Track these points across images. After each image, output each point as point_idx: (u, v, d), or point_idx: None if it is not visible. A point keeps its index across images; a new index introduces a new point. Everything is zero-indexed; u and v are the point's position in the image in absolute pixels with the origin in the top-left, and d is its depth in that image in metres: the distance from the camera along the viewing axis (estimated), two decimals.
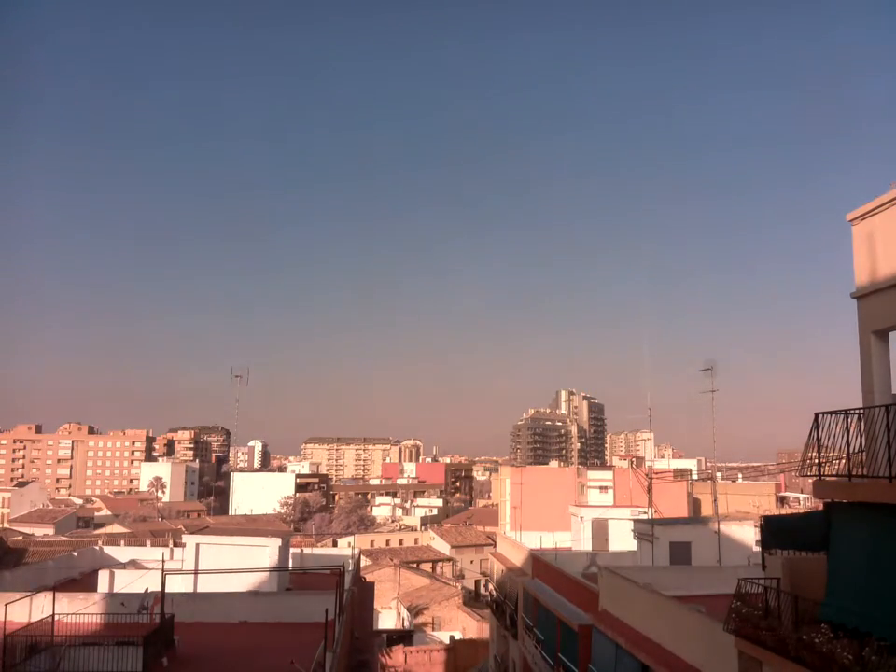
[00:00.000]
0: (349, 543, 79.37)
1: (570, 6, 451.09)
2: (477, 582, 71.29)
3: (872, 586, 10.92)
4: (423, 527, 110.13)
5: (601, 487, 57.24)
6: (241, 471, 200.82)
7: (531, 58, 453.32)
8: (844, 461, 11.63)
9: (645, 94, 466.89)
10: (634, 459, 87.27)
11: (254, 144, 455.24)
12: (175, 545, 36.30)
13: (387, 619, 54.92)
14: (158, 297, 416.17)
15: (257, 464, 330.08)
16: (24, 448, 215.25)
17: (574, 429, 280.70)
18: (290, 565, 27.15)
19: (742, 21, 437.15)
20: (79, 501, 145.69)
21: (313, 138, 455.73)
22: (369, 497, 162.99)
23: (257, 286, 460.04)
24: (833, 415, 11.84)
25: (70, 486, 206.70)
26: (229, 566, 23.05)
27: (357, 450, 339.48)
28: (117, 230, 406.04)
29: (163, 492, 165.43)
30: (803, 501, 61.75)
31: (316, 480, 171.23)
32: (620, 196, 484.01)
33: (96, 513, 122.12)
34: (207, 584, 23.47)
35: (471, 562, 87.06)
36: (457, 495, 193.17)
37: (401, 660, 41.88)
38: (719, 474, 61.88)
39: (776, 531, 15.22)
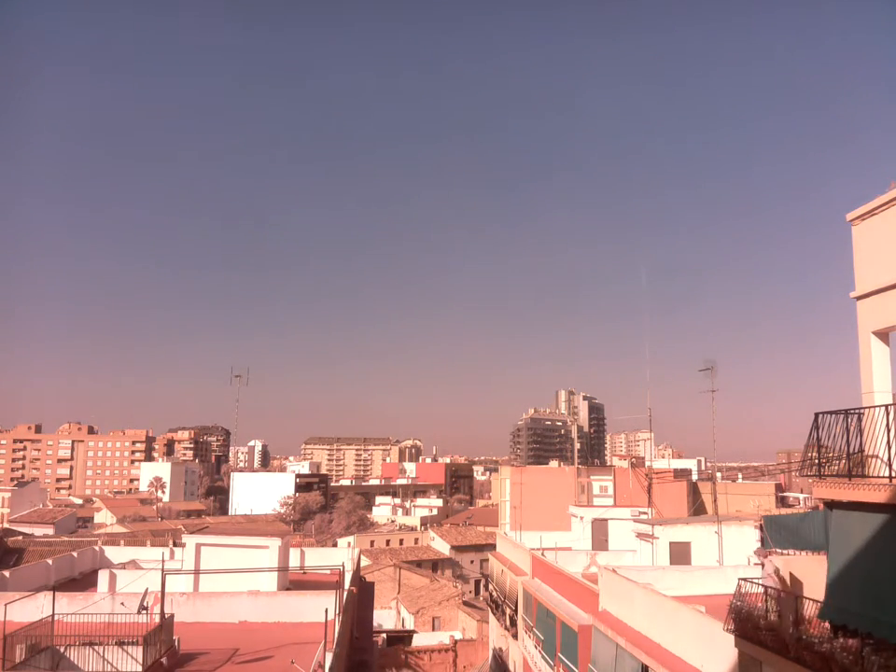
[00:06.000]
0: (349, 543, 79.35)
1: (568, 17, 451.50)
2: (477, 582, 71.24)
3: (872, 586, 10.91)
4: (423, 527, 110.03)
5: (601, 487, 57.20)
6: (241, 471, 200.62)
7: (532, 55, 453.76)
8: (844, 461, 11.63)
9: (643, 96, 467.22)
10: (634, 459, 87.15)
11: (253, 144, 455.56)
12: (175, 545, 36.24)
13: (387, 619, 54.89)
14: (158, 296, 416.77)
15: (257, 464, 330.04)
16: (24, 448, 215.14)
17: (574, 429, 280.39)
18: (290, 565, 27.14)
19: (739, 28, 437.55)
20: (79, 501, 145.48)
21: (316, 139, 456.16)
22: (369, 497, 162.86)
23: (257, 285, 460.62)
24: (833, 415, 11.84)
25: (70, 486, 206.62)
26: (229, 566, 23.03)
27: (357, 450, 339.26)
28: (116, 228, 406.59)
29: (163, 492, 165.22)
30: (803, 501, 61.65)
31: (316, 480, 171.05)
32: (620, 197, 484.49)
33: (96, 513, 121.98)
34: (207, 584, 23.47)
35: (471, 562, 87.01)
36: (457, 495, 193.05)
37: (401, 660, 41.86)
38: (719, 474, 61.81)
39: (776, 531, 15.22)
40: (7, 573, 25.75)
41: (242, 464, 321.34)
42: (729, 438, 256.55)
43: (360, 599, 26.50)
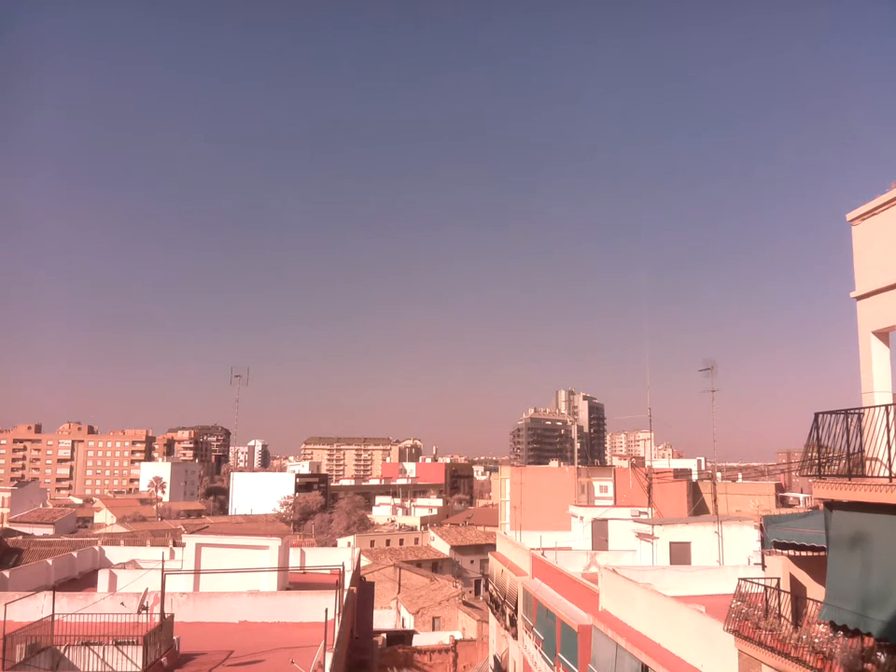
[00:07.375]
0: (349, 543, 79.31)
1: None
2: (477, 582, 71.19)
3: (872, 586, 10.91)
4: (423, 528, 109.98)
5: (601, 487, 57.18)
6: (241, 471, 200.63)
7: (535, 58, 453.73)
8: (844, 461, 11.62)
9: (644, 96, 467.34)
10: (634, 459, 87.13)
11: (252, 144, 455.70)
12: (175, 545, 36.24)
13: (387, 619, 54.81)
14: (157, 296, 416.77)
15: (257, 464, 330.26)
16: (24, 448, 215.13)
17: (574, 429, 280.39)
18: (290, 565, 27.14)
19: (736, 29, 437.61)
20: (79, 501, 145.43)
21: (316, 140, 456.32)
22: (369, 497, 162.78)
23: (256, 285, 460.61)
24: (833, 415, 11.84)
25: (70, 486, 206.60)
26: (229, 566, 23.03)
27: (357, 450, 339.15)
28: (117, 229, 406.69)
29: (163, 492, 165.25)
30: (803, 501, 61.65)
31: (316, 480, 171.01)
32: (620, 196, 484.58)
33: (96, 513, 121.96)
34: (207, 584, 23.47)
35: (471, 562, 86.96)
36: (457, 495, 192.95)
37: (401, 660, 41.82)
38: (719, 474, 61.80)
39: (776, 531, 15.20)
40: (7, 573, 25.73)
41: (242, 464, 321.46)
42: (729, 438, 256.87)
43: (360, 599, 26.51)
